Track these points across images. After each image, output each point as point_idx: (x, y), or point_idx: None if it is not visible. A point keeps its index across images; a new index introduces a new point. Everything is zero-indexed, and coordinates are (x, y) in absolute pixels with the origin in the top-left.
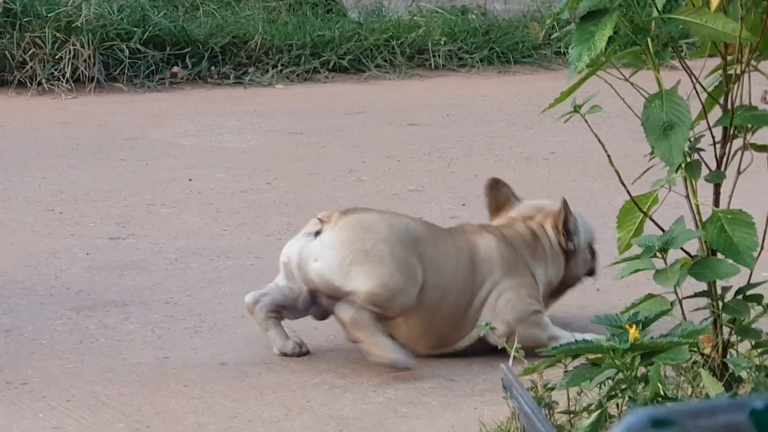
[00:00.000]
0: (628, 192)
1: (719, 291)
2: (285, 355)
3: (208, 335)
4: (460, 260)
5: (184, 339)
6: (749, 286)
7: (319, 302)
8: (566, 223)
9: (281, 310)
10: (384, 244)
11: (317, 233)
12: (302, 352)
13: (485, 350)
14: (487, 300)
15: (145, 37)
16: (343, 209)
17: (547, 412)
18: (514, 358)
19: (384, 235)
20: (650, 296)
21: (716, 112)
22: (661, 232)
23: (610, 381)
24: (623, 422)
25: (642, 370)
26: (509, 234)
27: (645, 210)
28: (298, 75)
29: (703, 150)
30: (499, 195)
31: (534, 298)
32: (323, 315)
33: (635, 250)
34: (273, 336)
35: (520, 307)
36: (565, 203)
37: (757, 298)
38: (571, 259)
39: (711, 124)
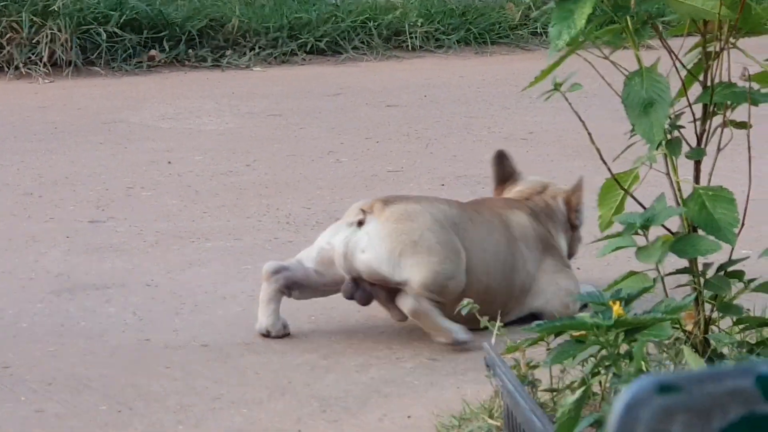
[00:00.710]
0: (608, 169)
1: (701, 267)
2: (268, 334)
3: (189, 317)
4: (498, 239)
5: (165, 321)
6: (730, 262)
7: (363, 288)
8: (579, 201)
9: (294, 289)
10: (430, 233)
11: (360, 223)
12: (285, 333)
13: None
14: (533, 284)
15: (122, 20)
16: (383, 198)
17: (530, 389)
18: (497, 336)
19: (428, 224)
20: (632, 273)
21: (696, 90)
22: (642, 210)
23: (593, 358)
24: (630, 388)
25: (625, 347)
26: (534, 208)
27: (626, 187)
28: (275, 57)
29: (683, 127)
30: (505, 168)
31: (570, 269)
32: (368, 300)
33: (616, 227)
34: (270, 311)
35: (573, 289)
36: (581, 181)
37: (738, 275)
38: (573, 235)
39: (691, 102)
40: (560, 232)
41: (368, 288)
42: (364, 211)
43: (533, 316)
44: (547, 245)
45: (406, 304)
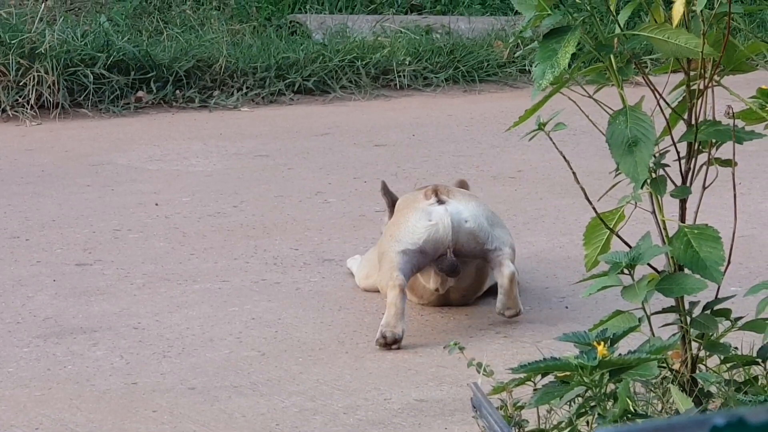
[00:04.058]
0: (594, 209)
1: (687, 306)
2: (397, 341)
3: (177, 360)
4: None
5: (152, 364)
6: (717, 300)
7: (457, 261)
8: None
9: None
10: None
11: (440, 202)
12: (398, 340)
13: (454, 367)
14: None
15: (109, 62)
16: (437, 186)
17: (517, 430)
18: (483, 376)
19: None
20: (618, 313)
21: (680, 128)
22: (627, 249)
23: (579, 398)
24: None
25: (611, 386)
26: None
27: (611, 226)
28: (263, 97)
29: (668, 165)
30: (391, 195)
31: None
32: (456, 270)
33: (602, 266)
34: (404, 320)
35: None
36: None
37: (725, 313)
38: None
39: (675, 140)
40: None
41: (461, 259)
42: (436, 193)
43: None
44: None
45: (508, 268)
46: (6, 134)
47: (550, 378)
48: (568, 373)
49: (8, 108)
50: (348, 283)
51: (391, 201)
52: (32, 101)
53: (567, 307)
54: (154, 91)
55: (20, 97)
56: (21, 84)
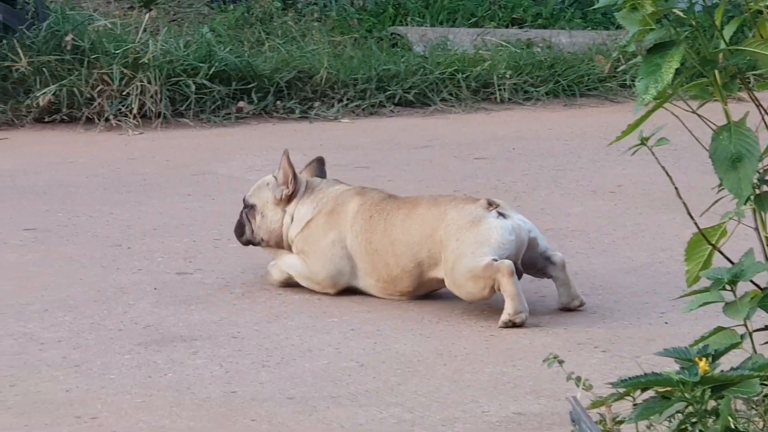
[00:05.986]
0: (696, 224)
1: None
2: (522, 323)
3: (276, 369)
4: None
5: (251, 373)
6: None
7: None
8: None
9: None
10: None
11: (502, 215)
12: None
13: (552, 381)
14: None
15: (211, 72)
16: (490, 199)
17: None
18: (582, 390)
19: None
20: (720, 329)
21: None
22: (730, 265)
23: (680, 414)
24: None
25: (712, 403)
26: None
27: (713, 242)
28: (363, 109)
29: None
30: (293, 167)
31: None
32: (519, 277)
33: (704, 282)
34: (524, 299)
35: None
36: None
37: None
38: None
39: None
40: None
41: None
42: (493, 204)
43: None
44: None
45: (558, 256)
46: (109, 143)
47: (649, 393)
48: (668, 388)
49: (111, 117)
50: (447, 294)
51: (294, 173)
52: (135, 111)
53: (666, 323)
54: (255, 101)
55: (123, 106)
56: (124, 93)
